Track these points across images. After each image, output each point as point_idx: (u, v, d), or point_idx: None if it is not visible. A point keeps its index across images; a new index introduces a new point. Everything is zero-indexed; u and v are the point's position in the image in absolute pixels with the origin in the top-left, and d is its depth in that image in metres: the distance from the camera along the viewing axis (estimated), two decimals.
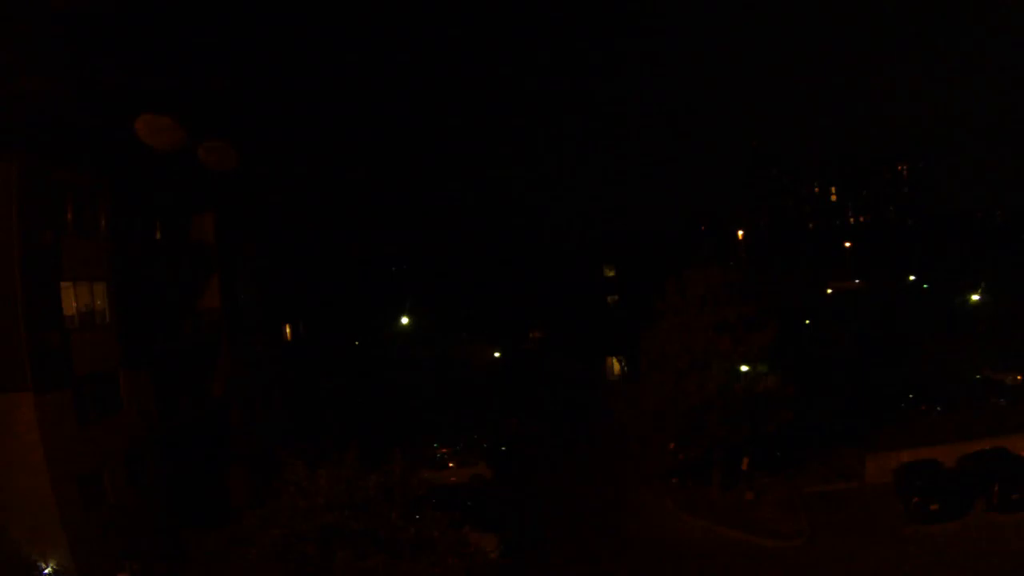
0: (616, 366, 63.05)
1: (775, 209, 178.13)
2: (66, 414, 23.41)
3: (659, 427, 32.07)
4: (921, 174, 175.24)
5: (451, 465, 37.49)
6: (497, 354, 67.42)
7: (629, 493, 34.63)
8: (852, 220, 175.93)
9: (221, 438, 32.66)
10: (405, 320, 61.51)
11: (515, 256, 78.19)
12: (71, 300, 24.55)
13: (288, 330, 42.76)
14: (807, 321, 63.47)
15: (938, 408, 41.62)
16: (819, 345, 54.07)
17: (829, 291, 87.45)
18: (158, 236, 31.29)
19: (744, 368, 31.03)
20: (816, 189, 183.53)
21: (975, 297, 67.90)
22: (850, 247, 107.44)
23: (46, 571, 21.86)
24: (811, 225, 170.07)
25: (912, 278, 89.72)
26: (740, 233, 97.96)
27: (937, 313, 66.45)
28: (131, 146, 28.70)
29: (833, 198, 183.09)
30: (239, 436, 33.66)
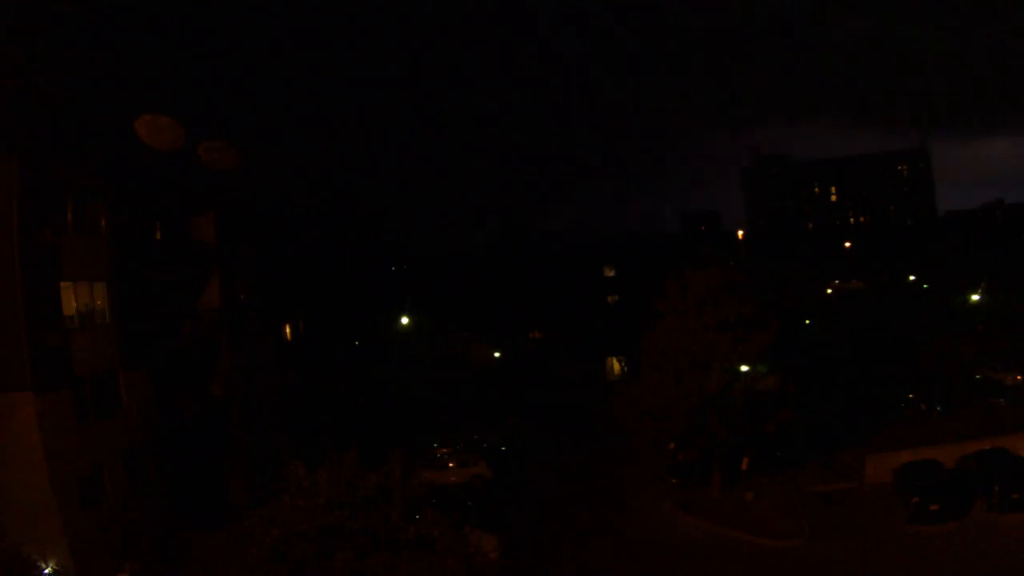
0: (616, 366, 63.09)
1: (775, 209, 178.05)
2: (66, 414, 23.42)
3: (659, 427, 32.08)
4: (921, 174, 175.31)
5: (451, 465, 37.48)
6: (497, 354, 67.45)
7: (629, 493, 34.63)
8: (852, 220, 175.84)
9: (221, 438, 32.66)
10: (405, 320, 61.53)
11: (515, 256, 78.28)
12: (71, 300, 24.55)
13: (288, 330, 42.76)
14: (807, 321, 63.48)
15: (938, 408, 41.63)
16: (819, 345, 54.06)
17: (829, 291, 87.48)
18: (158, 236, 31.28)
19: (744, 368, 31.03)
20: (816, 189, 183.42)
21: (975, 297, 67.88)
22: (850, 247, 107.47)
23: (46, 571, 21.87)
24: (811, 225, 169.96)
25: (912, 278, 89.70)
26: (740, 233, 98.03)
27: (937, 313, 66.41)
28: (131, 146, 28.74)
29: (833, 198, 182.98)
30: (239, 436, 33.66)
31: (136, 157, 29.91)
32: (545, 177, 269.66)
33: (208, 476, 31.34)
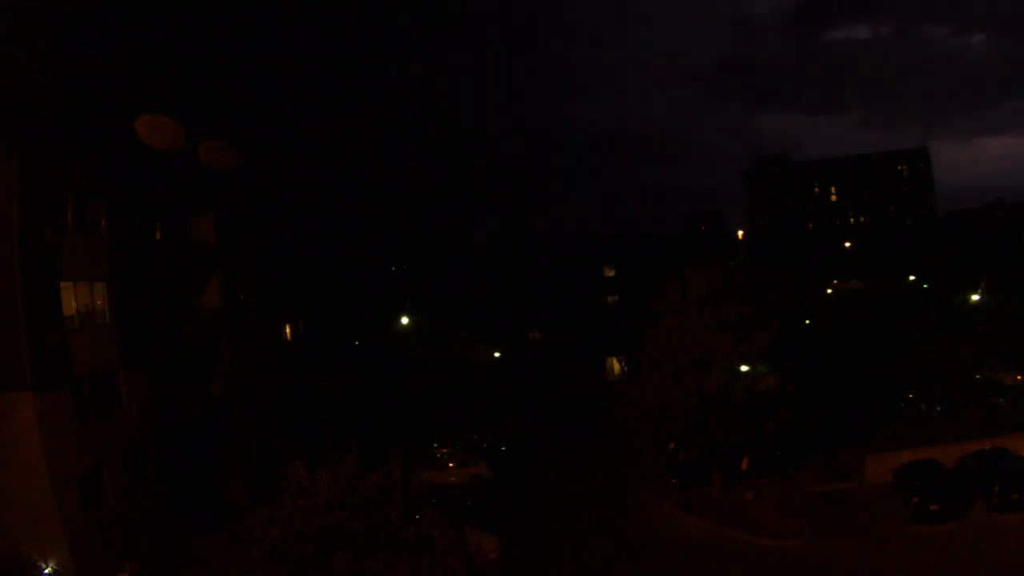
0: (616, 366, 63.08)
1: (775, 209, 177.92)
2: (66, 414, 23.42)
3: (659, 427, 32.08)
4: (921, 174, 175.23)
5: (451, 465, 37.48)
6: (497, 354, 67.44)
7: (629, 493, 34.63)
8: (852, 220, 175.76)
9: (221, 438, 32.65)
10: (405, 320, 61.54)
11: (515, 256, 78.32)
12: (71, 300, 24.55)
13: (288, 330, 42.76)
14: (807, 321, 63.47)
15: (938, 408, 41.64)
16: (819, 345, 54.05)
17: (829, 291, 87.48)
18: (158, 236, 31.29)
19: (744, 368, 31.03)
20: (816, 189, 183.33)
21: (975, 297, 67.89)
22: (850, 247, 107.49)
23: (46, 571, 21.87)
24: (811, 225, 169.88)
25: (912, 278, 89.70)
26: (740, 233, 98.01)
27: (937, 313, 66.42)
28: (131, 146, 28.73)
29: (833, 198, 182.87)
30: (239, 436, 33.65)
31: (136, 157, 29.89)
32: (545, 177, 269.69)
33: (208, 476, 31.34)
